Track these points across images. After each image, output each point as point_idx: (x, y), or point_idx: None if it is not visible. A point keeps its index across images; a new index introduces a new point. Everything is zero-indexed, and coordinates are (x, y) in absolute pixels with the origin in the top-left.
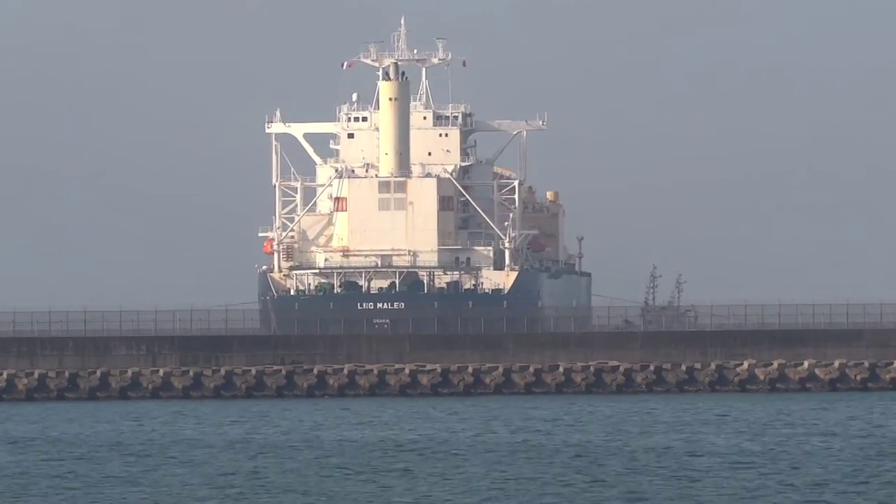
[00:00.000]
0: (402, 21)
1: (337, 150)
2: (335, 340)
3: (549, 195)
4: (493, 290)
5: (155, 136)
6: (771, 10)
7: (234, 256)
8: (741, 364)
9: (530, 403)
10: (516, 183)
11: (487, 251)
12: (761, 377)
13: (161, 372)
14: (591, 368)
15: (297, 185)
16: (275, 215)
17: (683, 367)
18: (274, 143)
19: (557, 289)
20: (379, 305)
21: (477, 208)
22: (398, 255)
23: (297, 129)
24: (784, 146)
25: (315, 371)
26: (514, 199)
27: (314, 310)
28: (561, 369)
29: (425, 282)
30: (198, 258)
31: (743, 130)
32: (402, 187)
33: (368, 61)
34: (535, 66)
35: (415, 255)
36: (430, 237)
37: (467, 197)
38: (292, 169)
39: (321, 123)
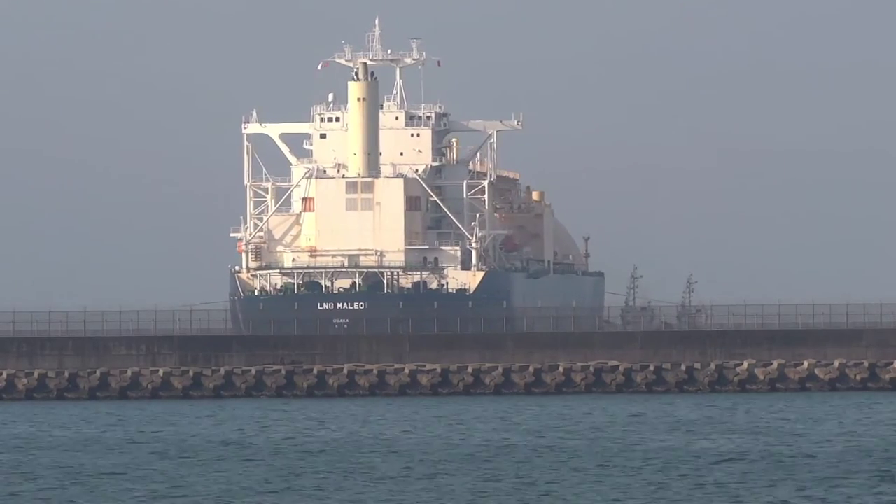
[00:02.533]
0: (377, 21)
1: (310, 151)
2: (334, 340)
3: (535, 195)
4: (457, 290)
5: (139, 135)
6: (750, 7)
7: (213, 256)
8: (741, 364)
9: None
10: (486, 183)
11: (455, 251)
12: (761, 377)
13: (161, 372)
14: (591, 368)
15: (269, 185)
16: (244, 216)
17: (683, 367)
18: (245, 143)
19: (537, 289)
20: (339, 305)
21: (444, 208)
22: (365, 255)
23: (273, 130)
24: (783, 145)
25: (315, 371)
26: (484, 200)
27: (275, 310)
28: (561, 369)
29: (385, 282)
30: (181, 258)
31: (741, 129)
32: (369, 187)
33: (343, 62)
34: (512, 66)
35: (381, 255)
36: (397, 237)
37: (434, 197)
38: (264, 169)
39: (296, 124)
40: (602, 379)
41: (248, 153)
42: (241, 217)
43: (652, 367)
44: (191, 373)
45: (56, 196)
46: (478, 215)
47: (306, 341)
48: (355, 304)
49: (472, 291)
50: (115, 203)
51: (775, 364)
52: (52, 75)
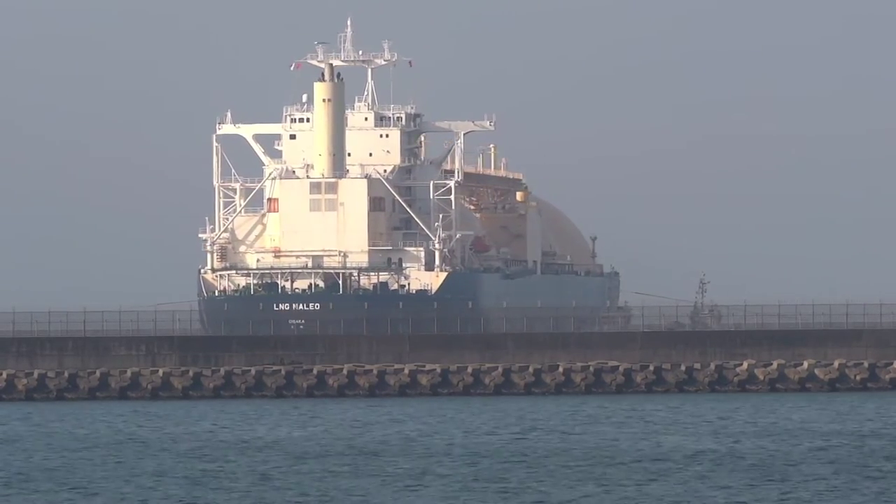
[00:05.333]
0: (349, 22)
1: (282, 151)
2: (334, 340)
3: (519, 195)
4: (418, 291)
5: (127, 133)
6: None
7: (189, 257)
8: (741, 364)
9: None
10: (452, 183)
11: (419, 252)
12: (761, 377)
13: (160, 372)
14: (591, 369)
15: (237, 186)
16: (209, 216)
17: (683, 368)
18: (214, 144)
19: (514, 289)
20: (295, 306)
21: (407, 209)
22: (329, 255)
23: (247, 130)
24: (784, 145)
25: (315, 371)
26: (450, 201)
27: (232, 310)
28: (560, 369)
29: (341, 283)
30: (157, 259)
31: (742, 130)
32: (332, 188)
33: (315, 62)
34: (486, 67)
35: (345, 255)
36: (360, 238)
37: (397, 198)
38: (233, 170)
39: (270, 124)
40: (602, 379)
41: (217, 154)
42: (207, 218)
43: (652, 368)
44: (191, 373)
45: (41, 196)
46: (441, 216)
47: (306, 341)
48: (311, 304)
49: (434, 292)
50: (114, 202)
51: (775, 364)
52: (23, 80)
